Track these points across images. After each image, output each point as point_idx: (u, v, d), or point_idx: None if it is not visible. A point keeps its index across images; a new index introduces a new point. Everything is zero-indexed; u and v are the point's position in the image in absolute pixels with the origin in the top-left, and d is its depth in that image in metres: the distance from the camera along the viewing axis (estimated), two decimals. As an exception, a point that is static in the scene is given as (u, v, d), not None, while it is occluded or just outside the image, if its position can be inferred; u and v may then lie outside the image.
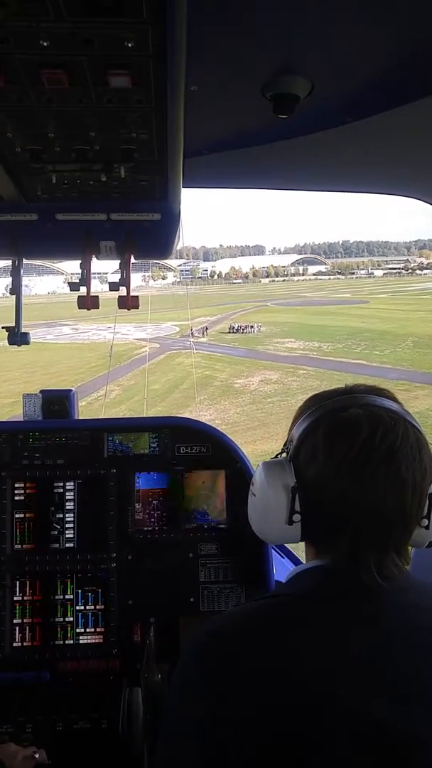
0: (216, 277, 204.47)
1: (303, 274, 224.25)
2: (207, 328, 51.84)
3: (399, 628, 0.97)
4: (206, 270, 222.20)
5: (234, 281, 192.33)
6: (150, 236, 1.64)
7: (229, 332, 51.38)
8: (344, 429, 1.02)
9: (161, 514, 2.31)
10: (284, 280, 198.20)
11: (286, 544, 2.63)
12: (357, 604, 0.99)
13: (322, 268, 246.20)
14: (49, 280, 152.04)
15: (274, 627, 0.99)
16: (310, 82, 1.21)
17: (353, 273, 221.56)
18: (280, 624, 0.99)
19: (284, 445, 1.17)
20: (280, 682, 0.91)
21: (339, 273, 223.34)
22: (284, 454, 1.15)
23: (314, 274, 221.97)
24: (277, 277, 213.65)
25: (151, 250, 1.76)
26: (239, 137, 1.56)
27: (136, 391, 28.52)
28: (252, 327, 51.35)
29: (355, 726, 0.85)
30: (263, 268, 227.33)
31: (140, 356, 39.64)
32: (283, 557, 2.92)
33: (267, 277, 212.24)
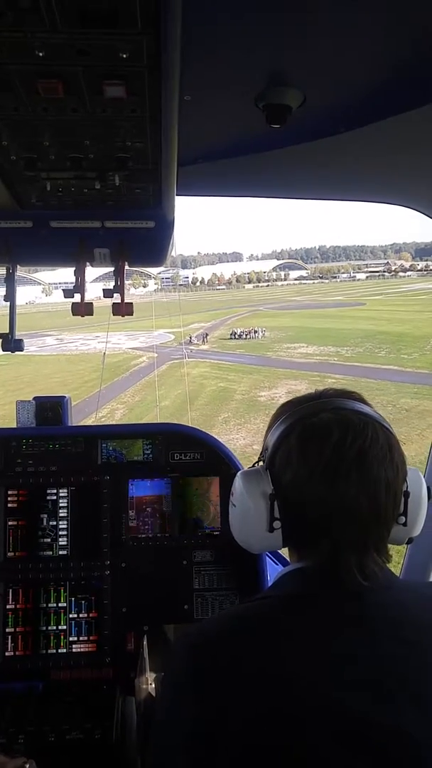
0: (198, 283, 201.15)
1: (285, 279, 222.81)
2: (206, 335, 47.64)
3: (382, 627, 0.97)
4: (186, 277, 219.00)
5: (217, 287, 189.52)
6: (144, 244, 1.63)
7: (231, 338, 47.42)
8: (315, 433, 1.03)
9: (155, 521, 2.24)
10: (268, 285, 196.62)
11: (279, 551, 2.38)
12: (339, 604, 0.99)
13: (303, 272, 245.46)
14: (26, 291, 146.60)
15: (261, 628, 0.99)
16: (302, 93, 1.23)
17: (335, 277, 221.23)
18: (267, 625, 1.00)
19: (260, 454, 1.17)
20: (267, 682, 0.91)
21: (321, 277, 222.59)
22: (261, 463, 1.15)
23: (296, 279, 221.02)
24: (259, 282, 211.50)
25: (145, 258, 1.75)
26: (233, 146, 1.56)
27: (144, 410, 24.17)
28: (256, 332, 47.40)
29: (341, 724, 0.86)
30: (245, 273, 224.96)
31: (139, 367, 35.29)
32: (277, 564, 2.73)
33: (249, 282, 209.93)
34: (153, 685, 1.72)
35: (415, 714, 0.87)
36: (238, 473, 1.18)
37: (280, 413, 1.15)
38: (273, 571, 2.30)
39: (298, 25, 1.00)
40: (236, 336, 47.42)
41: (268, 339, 46.08)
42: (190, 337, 47.01)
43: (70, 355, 42.82)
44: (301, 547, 1.11)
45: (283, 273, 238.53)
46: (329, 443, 1.01)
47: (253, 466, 1.18)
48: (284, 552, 1.29)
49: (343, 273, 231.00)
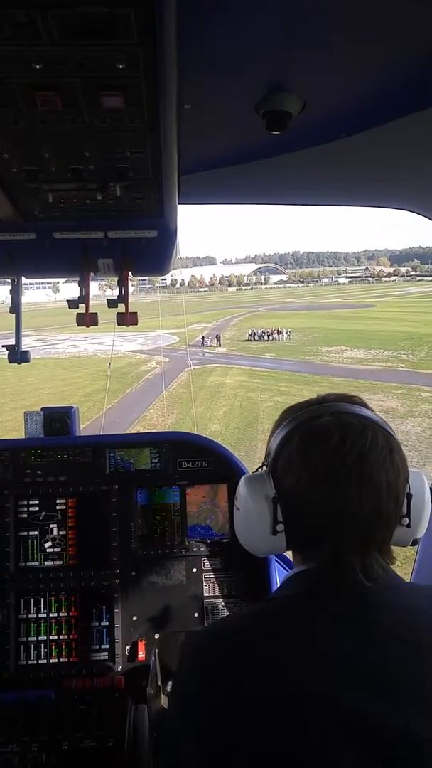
0: (179, 285, 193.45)
1: (265, 283, 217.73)
2: (219, 336, 40.16)
3: (386, 627, 0.96)
4: (164, 279, 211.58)
5: (200, 289, 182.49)
6: (147, 253, 1.62)
7: (251, 340, 40.21)
8: (316, 437, 1.04)
9: (164, 529, 2.21)
10: (251, 288, 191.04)
11: (289, 557, 2.34)
12: (343, 605, 0.99)
13: (283, 277, 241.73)
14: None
15: (265, 630, 1.00)
16: (302, 99, 1.22)
17: (316, 281, 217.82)
18: (270, 626, 1.01)
19: (264, 458, 1.18)
20: (270, 681, 0.92)
21: (302, 281, 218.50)
22: (264, 467, 1.17)
23: (276, 283, 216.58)
24: (240, 285, 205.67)
25: (148, 267, 1.73)
26: (233, 154, 1.56)
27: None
28: (280, 333, 40.22)
29: (345, 723, 0.86)
30: (225, 277, 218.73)
31: (153, 375, 27.57)
32: (287, 570, 2.44)
33: (231, 285, 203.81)
34: (164, 694, 1.67)
35: (420, 715, 0.86)
36: (242, 478, 1.18)
37: (283, 418, 1.14)
38: (283, 577, 2.14)
39: (296, 31, 0.98)
40: (256, 337, 40.19)
41: (296, 341, 38.97)
42: (202, 339, 39.48)
43: (59, 359, 34.66)
44: (305, 550, 1.10)
45: (263, 277, 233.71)
46: (329, 446, 1.00)
47: (257, 470, 1.18)
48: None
49: (325, 278, 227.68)
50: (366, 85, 1.19)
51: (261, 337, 40.09)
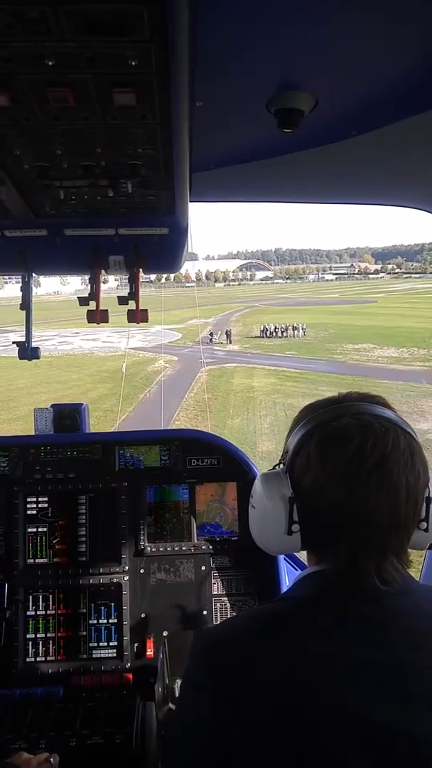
0: (164, 280, 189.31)
1: (251, 279, 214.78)
2: (229, 333, 36.54)
3: (400, 631, 0.95)
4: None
5: (187, 285, 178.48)
6: (158, 250, 1.61)
7: (263, 336, 36.75)
8: (336, 438, 1.02)
9: (173, 526, 2.22)
10: (239, 284, 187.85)
11: (298, 556, 2.40)
12: (356, 608, 0.98)
13: (269, 273, 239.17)
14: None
15: (276, 629, 0.99)
16: (314, 98, 1.22)
17: (302, 277, 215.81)
18: (282, 626, 1.00)
19: (281, 456, 1.16)
20: (281, 682, 0.91)
21: (288, 278, 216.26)
22: (281, 465, 1.15)
23: (262, 279, 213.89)
24: (226, 281, 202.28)
25: (159, 264, 1.74)
26: (245, 151, 1.57)
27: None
28: (295, 329, 36.81)
29: (354, 726, 0.85)
30: (211, 272, 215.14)
31: (165, 376, 23.83)
32: (296, 569, 2.59)
33: (216, 281, 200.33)
34: (171, 691, 1.71)
35: (429, 720, 0.85)
36: (258, 475, 1.17)
37: (302, 416, 1.11)
38: (292, 575, 2.22)
39: (308, 29, 0.98)
40: (269, 333, 36.74)
41: (314, 338, 35.58)
42: (210, 335, 35.90)
43: (51, 358, 30.59)
44: (320, 551, 1.08)
45: (249, 273, 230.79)
46: (349, 449, 0.98)
47: (274, 468, 1.15)
48: (302, 556, 1.24)
49: (311, 274, 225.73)
50: (377, 84, 1.19)
51: (274, 333, 36.66)
